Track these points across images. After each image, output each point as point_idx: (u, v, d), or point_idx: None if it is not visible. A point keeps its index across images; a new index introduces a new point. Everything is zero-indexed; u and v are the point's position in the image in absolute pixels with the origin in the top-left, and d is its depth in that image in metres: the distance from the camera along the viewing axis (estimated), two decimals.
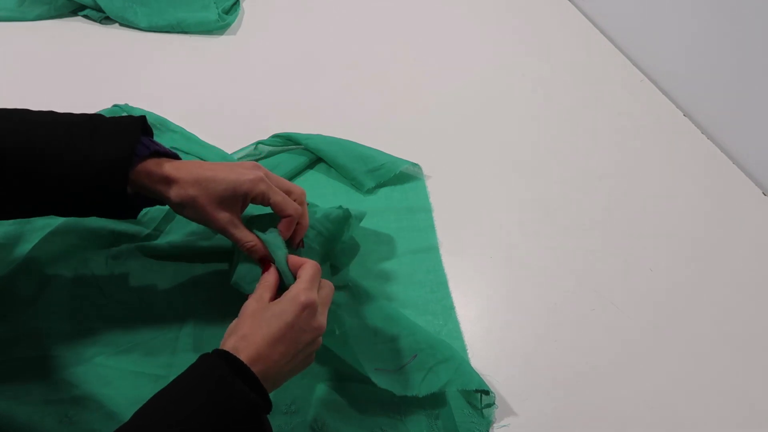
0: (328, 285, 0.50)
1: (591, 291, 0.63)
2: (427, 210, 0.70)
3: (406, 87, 0.91)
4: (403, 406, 0.51)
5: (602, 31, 1.07)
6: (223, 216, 0.50)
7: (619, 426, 0.52)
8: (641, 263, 0.66)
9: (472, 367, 0.52)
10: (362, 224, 0.65)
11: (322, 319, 0.47)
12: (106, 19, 1.00)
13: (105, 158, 0.46)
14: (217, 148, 0.73)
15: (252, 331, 0.44)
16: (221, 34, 1.01)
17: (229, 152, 0.73)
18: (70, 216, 0.51)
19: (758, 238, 0.70)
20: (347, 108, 0.86)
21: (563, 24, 1.10)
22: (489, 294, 0.62)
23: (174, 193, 0.48)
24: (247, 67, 0.93)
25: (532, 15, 1.12)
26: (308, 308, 0.45)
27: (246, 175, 0.50)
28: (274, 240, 0.51)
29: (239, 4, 1.08)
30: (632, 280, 0.64)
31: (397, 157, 0.74)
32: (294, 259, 0.51)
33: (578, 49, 1.02)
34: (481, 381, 0.50)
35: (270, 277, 0.49)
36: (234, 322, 0.46)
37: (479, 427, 0.50)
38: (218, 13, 1.01)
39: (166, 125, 0.75)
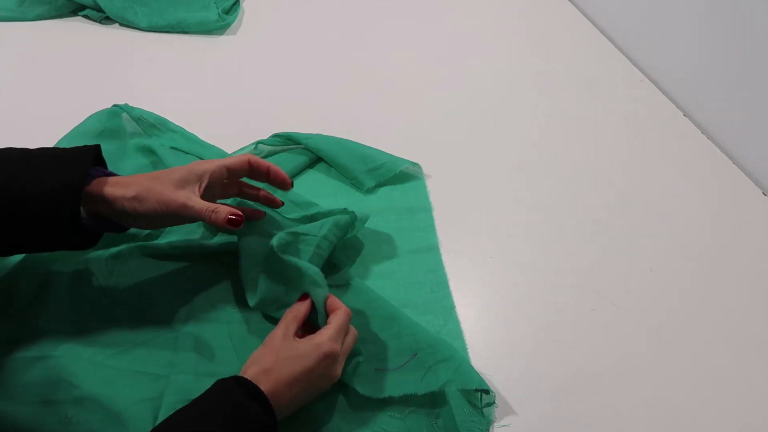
0: (353, 333, 0.52)
1: (591, 291, 0.63)
2: (427, 209, 0.70)
3: (406, 86, 0.91)
4: (403, 405, 0.51)
5: (602, 31, 1.07)
6: (180, 194, 0.50)
7: (619, 426, 0.52)
8: (641, 263, 0.66)
9: (472, 367, 0.52)
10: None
11: (339, 368, 0.49)
12: (106, 19, 1.01)
13: (58, 181, 0.47)
14: (217, 148, 0.73)
15: (274, 367, 0.46)
16: (221, 34, 1.01)
17: (229, 152, 0.73)
18: (33, 251, 0.51)
19: (758, 238, 0.70)
20: (347, 108, 0.86)
21: (563, 24, 1.10)
22: (489, 294, 0.62)
23: (130, 190, 0.49)
24: (247, 67, 0.93)
25: (532, 15, 1.12)
26: (330, 358, 0.48)
27: (199, 162, 0.53)
28: (315, 275, 0.53)
29: (239, 4, 1.08)
30: (632, 280, 0.64)
31: (397, 157, 0.74)
32: (332, 301, 0.53)
33: (578, 49, 1.02)
34: (481, 380, 0.50)
35: (302, 308, 0.52)
36: (258, 350, 0.48)
37: (479, 426, 0.50)
38: (218, 13, 1.01)
39: (166, 125, 0.76)
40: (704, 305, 0.62)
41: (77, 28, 1.00)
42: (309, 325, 0.52)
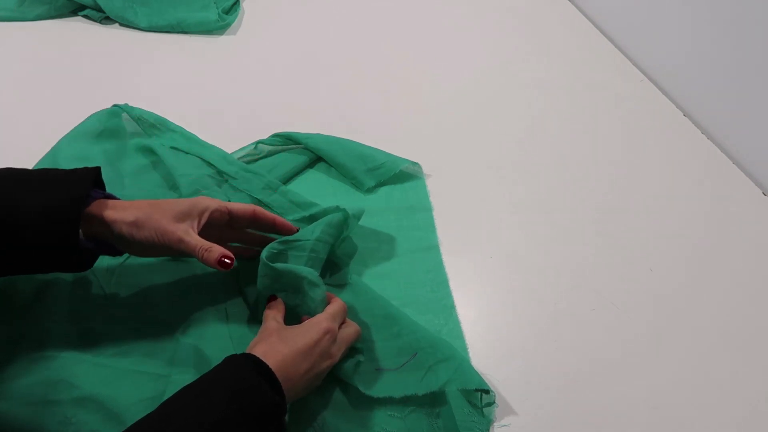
0: (353, 327, 0.53)
1: (591, 291, 0.63)
2: (427, 209, 0.70)
3: (406, 86, 0.91)
4: (403, 404, 0.51)
5: (602, 31, 1.07)
6: (179, 227, 0.50)
7: (619, 426, 0.52)
8: (641, 263, 0.66)
9: (472, 367, 0.52)
10: (362, 223, 0.65)
11: (337, 351, 0.50)
12: (106, 19, 1.01)
13: (58, 201, 0.47)
14: (217, 148, 0.73)
15: (279, 344, 0.47)
16: (221, 34, 1.01)
17: (229, 152, 0.73)
18: (28, 272, 0.51)
19: (758, 238, 0.70)
20: (347, 108, 0.86)
21: (563, 24, 1.10)
22: (489, 294, 0.62)
23: (129, 214, 0.49)
24: (247, 67, 0.93)
25: (532, 15, 1.12)
26: (329, 333, 0.49)
27: (203, 198, 0.54)
28: (310, 275, 0.53)
29: (239, 4, 1.08)
30: (632, 280, 0.64)
31: (397, 156, 0.74)
32: (328, 296, 0.54)
33: (578, 49, 1.02)
34: (481, 380, 0.50)
35: (280, 303, 0.53)
36: (258, 336, 0.49)
37: (479, 426, 0.50)
38: (218, 13, 1.01)
39: (166, 125, 0.76)
40: (704, 305, 0.62)
41: (77, 28, 1.00)
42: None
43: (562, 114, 0.87)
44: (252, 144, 0.75)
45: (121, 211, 0.50)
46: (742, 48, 0.80)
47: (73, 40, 0.97)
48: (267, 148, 0.75)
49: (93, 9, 1.00)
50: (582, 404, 0.53)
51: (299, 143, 0.75)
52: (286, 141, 0.75)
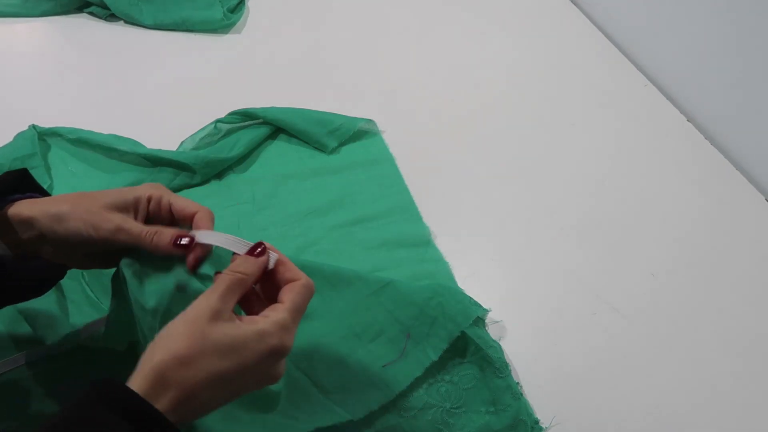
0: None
1: (592, 295, 0.63)
2: (389, 159, 0.76)
3: (413, 86, 0.91)
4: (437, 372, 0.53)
5: (606, 35, 1.07)
6: (115, 216, 0.40)
7: (618, 431, 0.52)
8: (643, 268, 0.66)
9: (461, 304, 0.55)
10: (333, 179, 0.71)
11: (282, 370, 0.37)
12: (111, 16, 1.00)
13: None
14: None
15: (194, 358, 0.33)
16: (226, 32, 1.01)
17: (188, 135, 0.75)
18: None
19: (761, 244, 0.70)
20: (352, 108, 0.86)
21: (566, 27, 1.09)
22: (489, 297, 0.62)
23: (52, 205, 0.40)
24: (252, 66, 0.93)
25: (535, 17, 1.11)
26: (277, 355, 0.35)
27: (144, 186, 0.43)
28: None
29: (245, 2, 1.08)
30: (634, 284, 0.64)
31: (351, 117, 0.79)
32: (287, 267, 0.39)
33: (582, 53, 1.02)
34: (471, 311, 0.54)
35: (251, 267, 0.37)
36: (175, 324, 0.34)
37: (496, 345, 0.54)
38: (223, 12, 1.01)
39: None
40: (706, 311, 0.62)
41: (82, 24, 1.00)
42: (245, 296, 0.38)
43: (564, 116, 0.87)
44: (212, 123, 0.76)
45: (42, 204, 0.40)
46: (748, 53, 0.79)
47: (78, 36, 0.97)
48: (226, 126, 0.77)
49: (98, 6, 1.00)
50: (582, 409, 0.53)
51: (257, 117, 0.78)
52: (244, 117, 0.78)
